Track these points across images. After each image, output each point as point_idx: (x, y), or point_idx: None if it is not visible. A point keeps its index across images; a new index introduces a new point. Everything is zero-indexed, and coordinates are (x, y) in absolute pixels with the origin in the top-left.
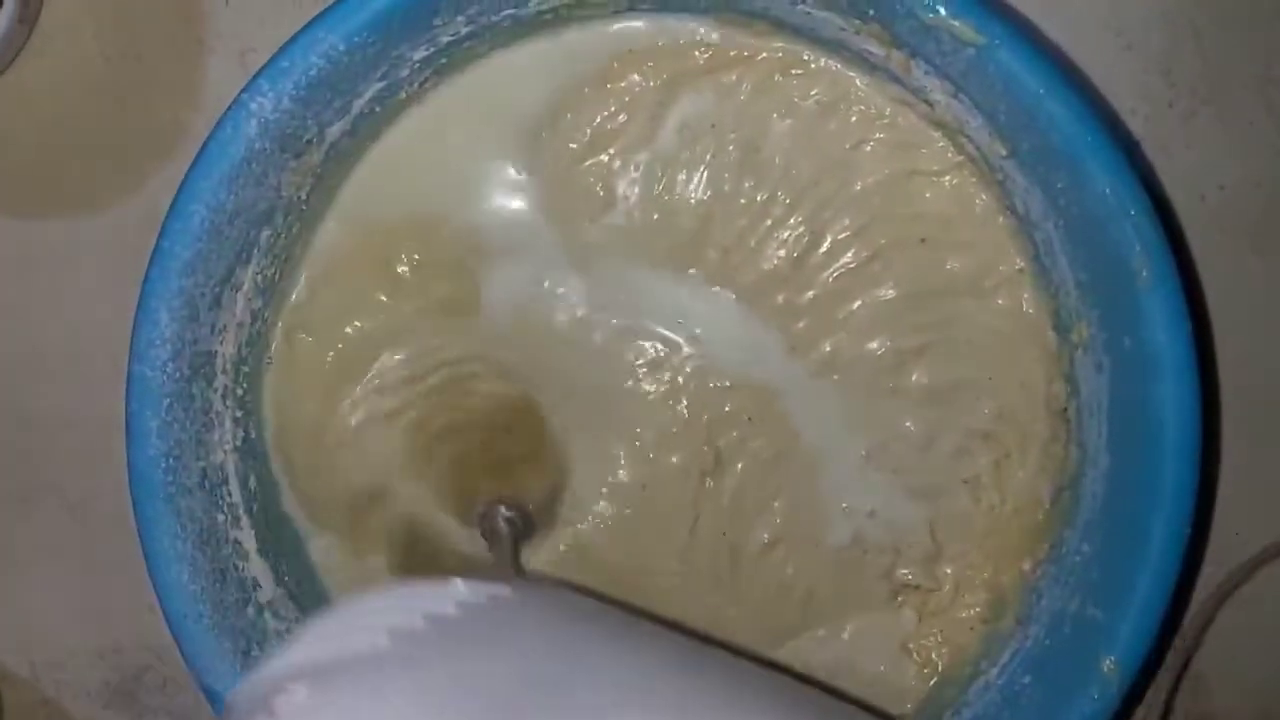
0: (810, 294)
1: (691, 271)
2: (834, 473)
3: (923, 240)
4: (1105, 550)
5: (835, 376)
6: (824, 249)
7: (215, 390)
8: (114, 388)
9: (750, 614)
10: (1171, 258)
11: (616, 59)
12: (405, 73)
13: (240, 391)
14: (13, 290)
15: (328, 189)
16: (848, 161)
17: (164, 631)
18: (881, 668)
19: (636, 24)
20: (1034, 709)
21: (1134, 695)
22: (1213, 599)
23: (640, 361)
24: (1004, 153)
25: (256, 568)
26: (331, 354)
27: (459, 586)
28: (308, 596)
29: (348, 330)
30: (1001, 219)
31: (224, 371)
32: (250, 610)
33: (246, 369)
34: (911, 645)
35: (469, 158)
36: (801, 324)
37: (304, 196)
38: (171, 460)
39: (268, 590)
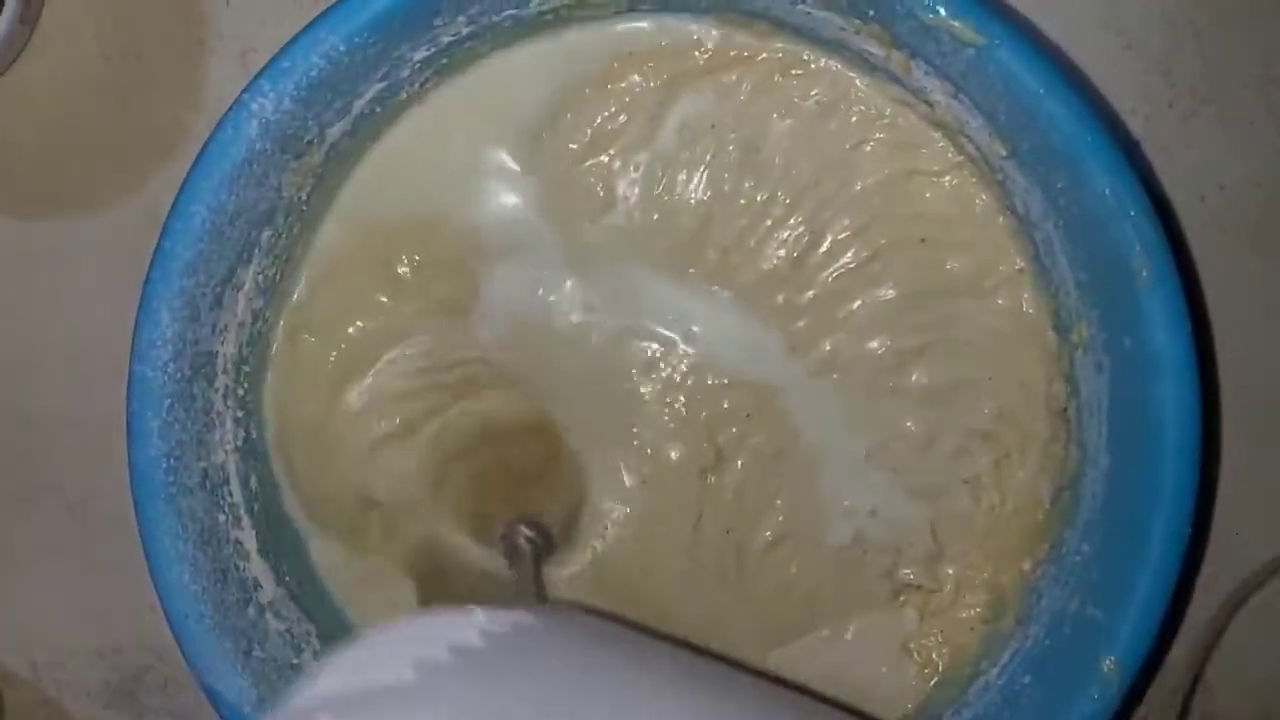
0: (810, 294)
1: (691, 271)
2: (834, 472)
3: (923, 240)
4: (1105, 550)
5: (835, 376)
6: (824, 249)
7: (216, 390)
8: (114, 388)
9: (755, 613)
10: (1171, 258)
11: (617, 59)
12: (406, 73)
13: (241, 392)
14: (13, 290)
15: (328, 189)
16: (848, 161)
17: (165, 631)
18: (883, 668)
19: (637, 24)
20: (1034, 709)
21: (1134, 695)
22: (1226, 606)
23: (640, 361)
24: (1004, 153)
25: (257, 568)
26: (334, 354)
27: (482, 616)
28: (309, 597)
29: (349, 331)
30: (1001, 219)
31: (225, 372)
32: (251, 610)
33: (248, 369)
34: (912, 645)
35: (469, 158)
36: (801, 323)
37: (305, 197)
38: (172, 460)
39: (269, 590)
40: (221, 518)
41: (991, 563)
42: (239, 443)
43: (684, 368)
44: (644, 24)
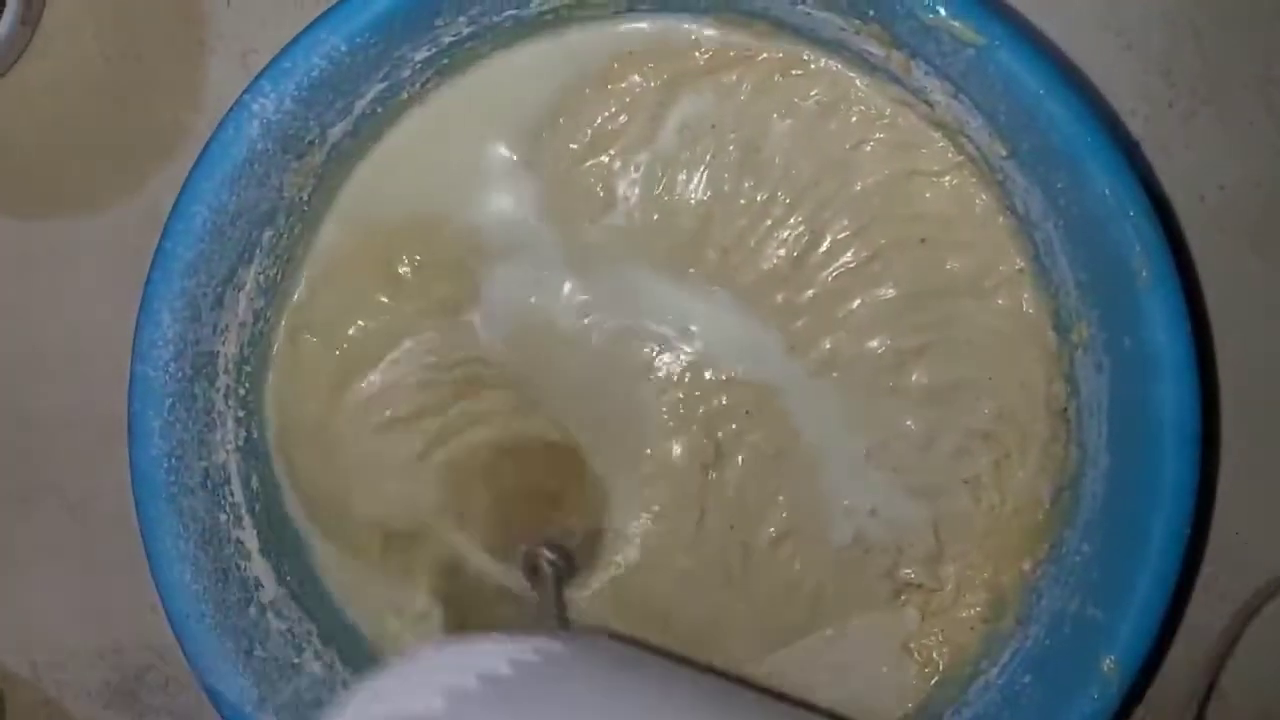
0: (810, 293)
1: (691, 271)
2: (835, 471)
3: (923, 240)
4: (1105, 550)
5: (835, 375)
6: (824, 249)
7: (217, 390)
8: (114, 388)
9: (758, 613)
10: (1171, 258)
11: (617, 59)
12: (407, 73)
13: (243, 391)
14: (13, 290)
15: (329, 189)
16: (848, 161)
17: (165, 631)
18: (884, 669)
19: (637, 25)
20: (1034, 708)
21: (1134, 695)
22: (1240, 614)
23: (640, 360)
24: (1004, 153)
25: (258, 567)
26: (335, 354)
27: (510, 644)
28: (310, 596)
29: (350, 331)
30: (1001, 219)
31: (226, 371)
32: (252, 610)
33: (249, 369)
34: (913, 645)
35: (470, 158)
36: (800, 323)
37: (306, 197)
38: (174, 460)
39: (270, 590)
40: (223, 517)
41: (991, 562)
42: (240, 442)
43: (683, 366)
44: (644, 24)
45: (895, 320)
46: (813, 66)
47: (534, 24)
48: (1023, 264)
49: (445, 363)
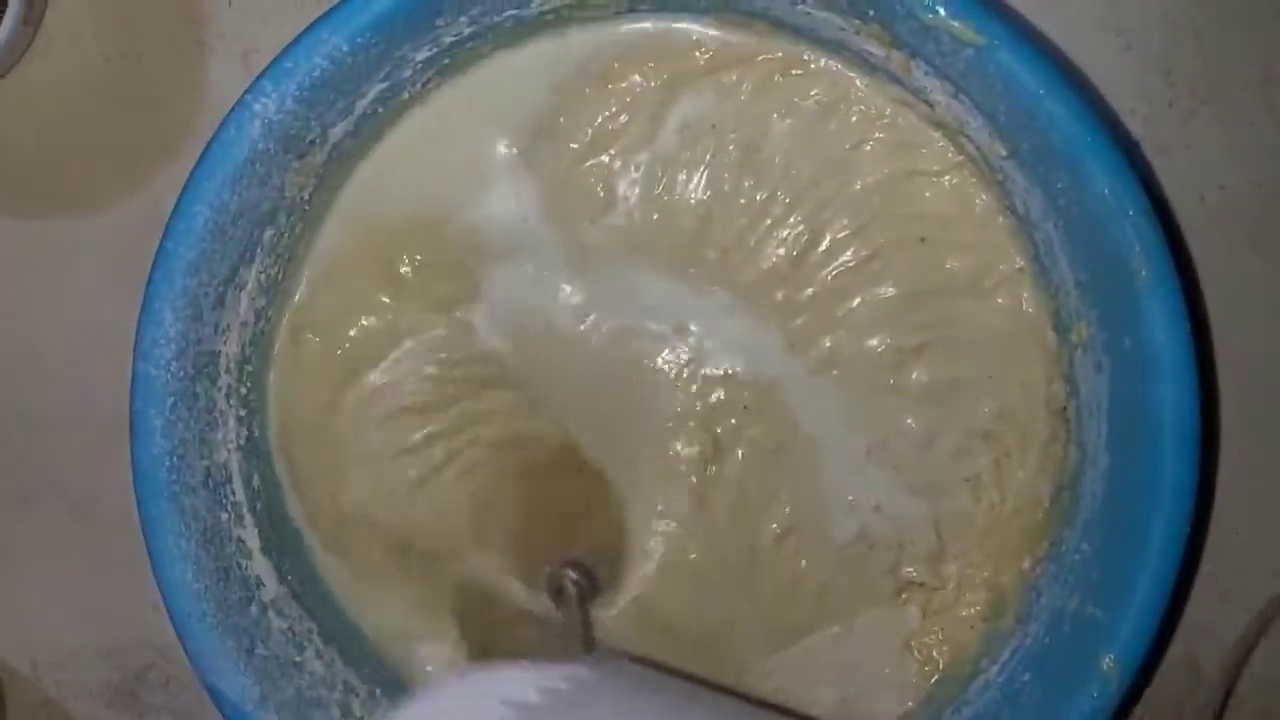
0: (809, 291)
1: (691, 271)
2: (835, 468)
3: (922, 240)
4: (1105, 549)
5: (835, 373)
6: (823, 248)
7: (219, 389)
8: (116, 387)
9: (765, 612)
10: (1171, 258)
11: (617, 59)
12: (408, 73)
13: (244, 391)
14: (13, 290)
15: (330, 189)
16: (848, 161)
17: (167, 630)
18: (886, 668)
19: (637, 25)
20: (1034, 707)
21: (1133, 693)
22: (1255, 622)
23: (640, 360)
24: (1004, 153)
25: (260, 566)
26: (337, 353)
27: (537, 672)
28: (311, 595)
29: (351, 330)
30: (1001, 219)
31: (228, 371)
32: (254, 609)
33: (250, 368)
34: (913, 643)
35: (471, 158)
36: (800, 321)
37: (307, 197)
38: (175, 459)
39: (271, 589)
40: (224, 516)
41: (991, 561)
42: (241, 441)
43: (683, 365)
44: (644, 24)
45: (895, 319)
46: (813, 66)
47: (535, 24)
48: (1023, 264)
49: (446, 362)
